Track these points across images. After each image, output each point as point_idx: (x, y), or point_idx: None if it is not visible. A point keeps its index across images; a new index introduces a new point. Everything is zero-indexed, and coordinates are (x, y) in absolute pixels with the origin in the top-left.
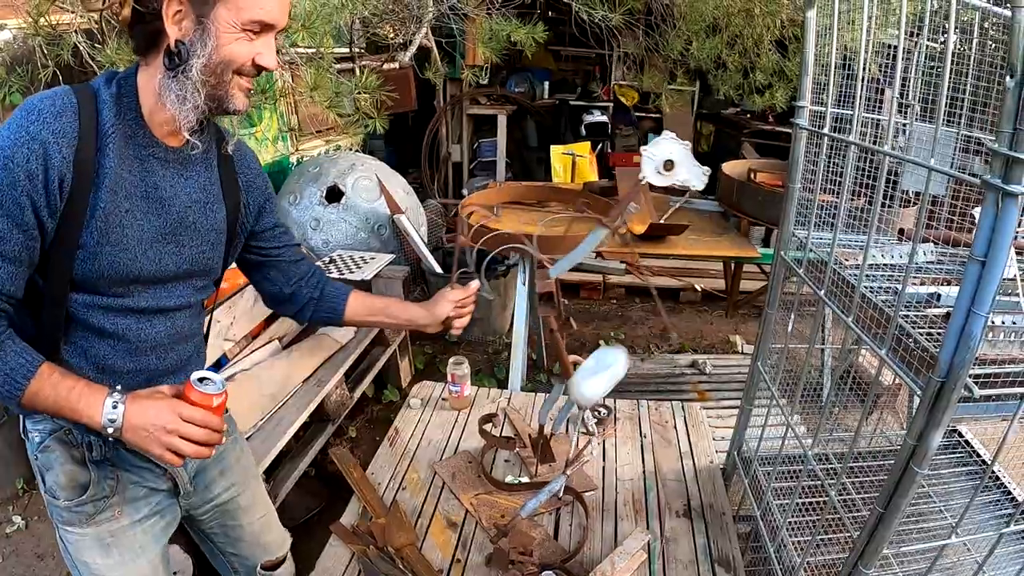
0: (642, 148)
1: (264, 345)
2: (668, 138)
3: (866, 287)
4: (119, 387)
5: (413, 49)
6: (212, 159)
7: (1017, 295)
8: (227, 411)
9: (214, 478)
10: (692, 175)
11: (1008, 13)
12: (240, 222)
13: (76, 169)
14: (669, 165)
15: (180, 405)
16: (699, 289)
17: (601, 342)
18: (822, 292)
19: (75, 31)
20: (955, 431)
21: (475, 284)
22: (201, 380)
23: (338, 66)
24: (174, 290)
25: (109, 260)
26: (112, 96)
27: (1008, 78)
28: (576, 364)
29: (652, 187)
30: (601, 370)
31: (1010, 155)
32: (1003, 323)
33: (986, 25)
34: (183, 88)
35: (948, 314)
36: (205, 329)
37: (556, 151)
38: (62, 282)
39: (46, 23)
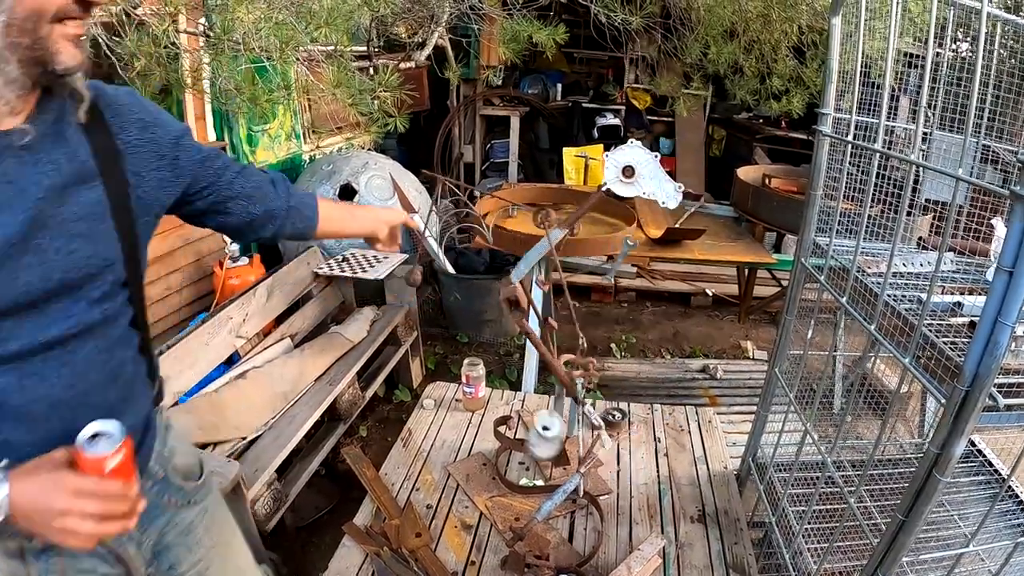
0: (605, 153)
1: (276, 343)
2: (633, 145)
3: (888, 295)
4: (3, 462)
5: (429, 48)
6: (68, 129)
7: None
8: (207, 473)
9: (180, 556)
10: (661, 189)
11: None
12: (136, 196)
13: None
14: (629, 171)
15: (66, 477)
16: (710, 294)
17: (612, 345)
18: (844, 299)
19: (94, 23)
20: (969, 441)
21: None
22: (94, 437)
23: (356, 64)
24: (54, 314)
25: None
26: None
27: None
28: (568, 363)
29: (616, 196)
30: (545, 437)
31: None
32: None
33: (1003, 34)
34: None
35: (972, 323)
36: (142, 350)
37: (569, 153)
38: None
39: None
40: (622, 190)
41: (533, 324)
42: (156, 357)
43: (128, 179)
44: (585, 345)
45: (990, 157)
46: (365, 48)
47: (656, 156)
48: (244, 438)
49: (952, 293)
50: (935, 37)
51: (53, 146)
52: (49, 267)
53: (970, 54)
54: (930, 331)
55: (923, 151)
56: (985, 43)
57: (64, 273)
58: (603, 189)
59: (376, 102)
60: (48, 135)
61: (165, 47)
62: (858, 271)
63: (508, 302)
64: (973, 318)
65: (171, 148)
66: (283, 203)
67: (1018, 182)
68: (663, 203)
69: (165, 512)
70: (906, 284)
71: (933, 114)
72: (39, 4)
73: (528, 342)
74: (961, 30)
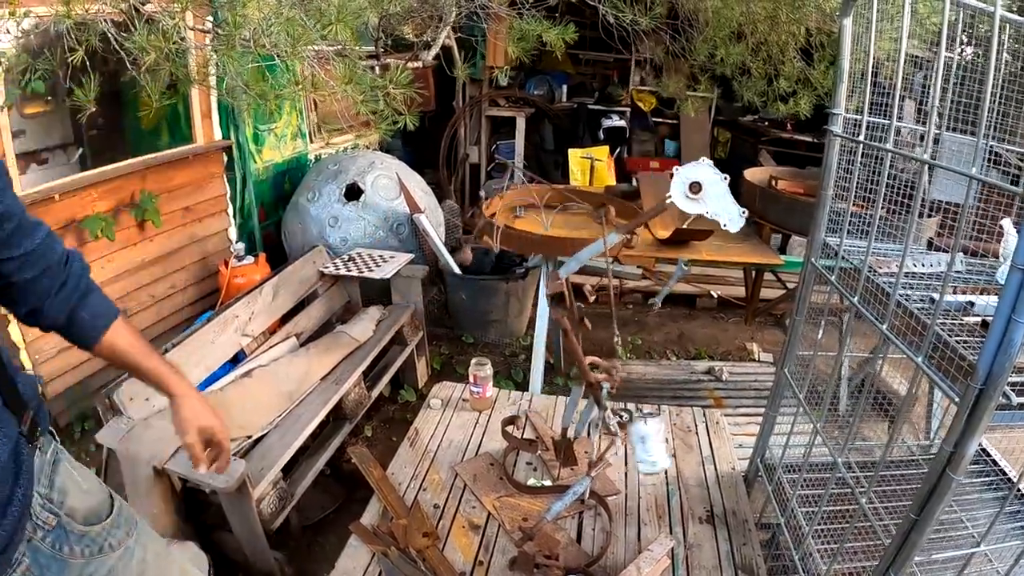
0: (675, 167)
1: (282, 341)
2: (704, 163)
3: (900, 295)
4: None
5: (436, 48)
6: None
7: None
8: (119, 508)
9: None
10: (726, 210)
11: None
12: None
13: None
14: (696, 187)
15: None
16: (716, 296)
17: (618, 348)
18: (855, 299)
19: (104, 19)
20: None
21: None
22: None
23: (363, 63)
24: None
25: None
26: None
27: None
28: (592, 365)
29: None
30: (646, 437)
31: None
32: None
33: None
34: None
35: (984, 322)
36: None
37: (574, 154)
38: None
39: (78, 8)
40: (686, 205)
41: (544, 319)
42: (26, 382)
43: None
44: (620, 345)
45: (993, 159)
46: (373, 47)
47: (725, 178)
48: (250, 437)
49: (963, 293)
50: (946, 39)
51: None
52: None
53: (976, 57)
54: (943, 330)
55: (933, 152)
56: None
57: None
58: (668, 201)
59: (387, 99)
60: None
61: (174, 42)
62: (869, 271)
63: (552, 297)
64: (986, 317)
65: None
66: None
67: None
68: (724, 225)
69: (69, 567)
70: (917, 284)
71: (943, 115)
72: None
73: (536, 343)
74: (966, 33)
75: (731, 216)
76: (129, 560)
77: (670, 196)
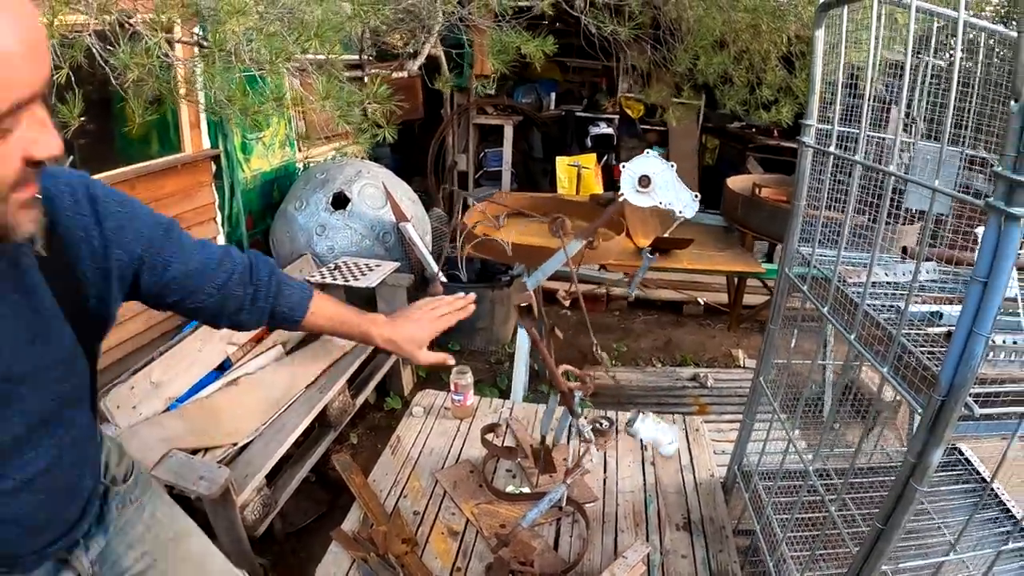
0: (621, 164)
1: (268, 350)
2: (650, 155)
3: (869, 305)
4: None
5: (422, 58)
6: (23, 272)
7: (1018, 314)
8: (135, 474)
9: (121, 553)
10: (678, 199)
11: (1010, 32)
12: (97, 313)
13: None
14: (645, 181)
15: None
16: (701, 303)
17: (604, 354)
18: (825, 309)
19: (88, 33)
20: (955, 448)
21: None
22: None
23: (347, 74)
24: (32, 449)
25: None
26: None
27: (1013, 102)
28: (566, 374)
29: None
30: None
31: (1013, 178)
32: (1003, 342)
33: (991, 42)
34: None
35: (949, 333)
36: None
37: (562, 162)
38: None
39: (61, 24)
40: (638, 200)
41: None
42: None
43: (86, 302)
44: (601, 352)
45: (979, 164)
46: (357, 58)
47: (672, 166)
48: (235, 444)
49: (935, 303)
50: (920, 46)
51: (12, 292)
52: (27, 414)
53: (961, 64)
54: (908, 340)
55: (906, 163)
56: (974, 53)
57: (41, 416)
58: (620, 200)
59: (365, 113)
60: (7, 286)
61: (158, 58)
62: (839, 281)
63: (520, 308)
64: (951, 328)
65: (139, 258)
66: (256, 301)
67: (993, 193)
68: (679, 212)
69: (106, 520)
70: (888, 294)
71: (914, 124)
72: None
73: (518, 351)
74: (945, 43)
75: (684, 203)
76: (141, 513)
77: (622, 194)
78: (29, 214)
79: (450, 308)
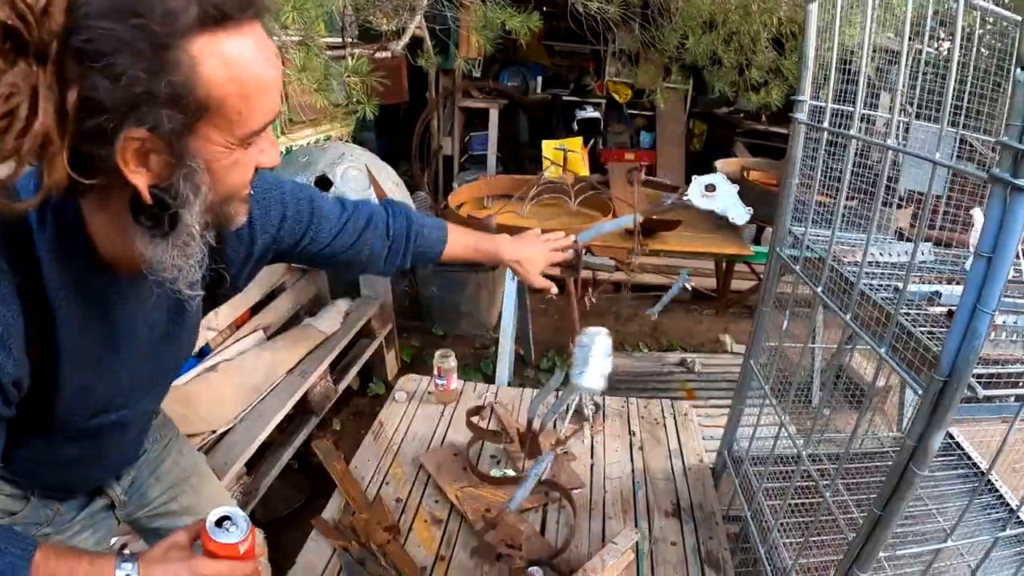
0: (694, 176)
1: (248, 335)
2: (721, 176)
3: (865, 284)
4: (126, 551)
5: (406, 38)
6: None
7: (1016, 297)
8: (161, 413)
9: (149, 484)
10: (734, 209)
11: (1007, 13)
12: (228, 293)
13: (31, 358)
14: (711, 188)
15: (200, 563)
16: (689, 288)
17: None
18: (819, 289)
19: None
20: (948, 434)
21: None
22: (220, 523)
23: (329, 53)
24: (149, 394)
25: (87, 405)
26: (49, 242)
27: (1018, 70)
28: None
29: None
30: (590, 356)
31: (1019, 148)
32: (1004, 323)
33: (982, 32)
34: (174, 249)
35: (950, 312)
36: None
37: (548, 145)
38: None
39: None
40: (699, 202)
41: (510, 311)
42: None
43: (223, 276)
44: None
45: (972, 155)
46: (340, 39)
47: (736, 188)
48: (214, 431)
49: (931, 283)
50: (916, 30)
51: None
52: (162, 369)
53: (961, 46)
54: (907, 320)
55: (903, 143)
56: (966, 40)
57: (172, 371)
58: (684, 198)
59: (345, 88)
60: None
61: None
62: (833, 260)
63: (565, 265)
64: (951, 307)
65: (272, 233)
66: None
67: (996, 164)
68: (732, 219)
69: (143, 451)
70: (884, 274)
71: (912, 105)
72: (231, 188)
73: (503, 335)
74: (944, 29)
75: (738, 213)
76: (169, 450)
77: (687, 195)
78: (245, 207)
79: (559, 244)
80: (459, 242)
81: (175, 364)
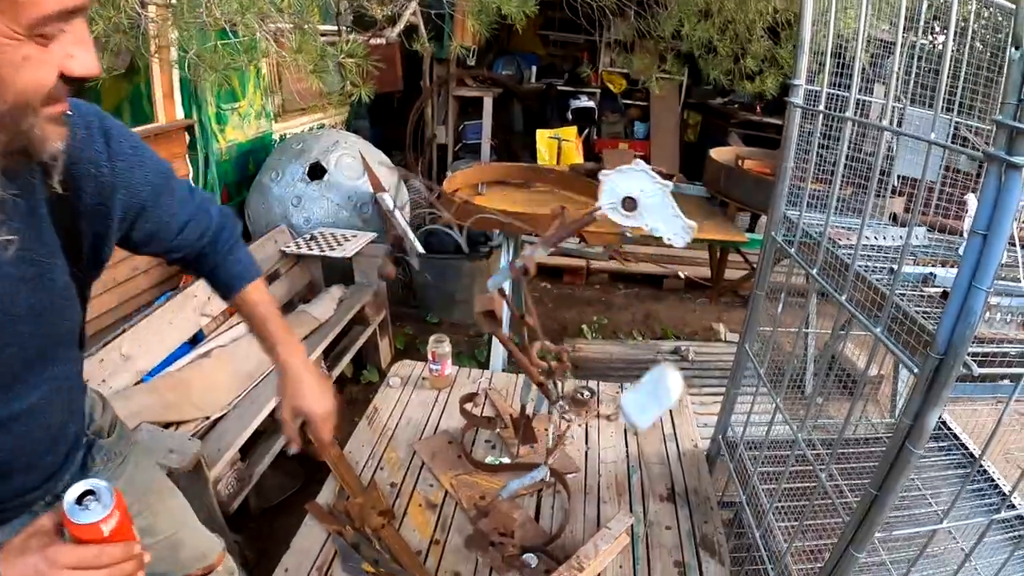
0: (601, 173)
1: (241, 322)
2: (638, 168)
3: (860, 266)
4: None
5: (401, 24)
6: (35, 203)
7: (1011, 280)
8: (119, 428)
9: None
10: (668, 226)
11: (1002, 2)
12: (92, 252)
13: None
14: (629, 204)
15: (59, 552)
16: (683, 276)
17: (584, 327)
18: (814, 271)
19: None
20: (941, 421)
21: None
22: (80, 501)
23: (324, 40)
24: (22, 385)
25: None
26: None
27: (1014, 49)
28: (542, 353)
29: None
30: (651, 395)
31: (1014, 126)
32: (998, 304)
33: (976, 27)
34: None
35: (945, 293)
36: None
37: (542, 135)
38: None
39: None
40: (620, 219)
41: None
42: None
43: (83, 245)
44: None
45: (964, 145)
46: (335, 27)
47: (667, 186)
48: (208, 417)
49: (925, 265)
50: (910, 21)
51: (20, 225)
52: (26, 351)
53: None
54: (902, 300)
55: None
56: (961, 29)
57: (37, 353)
58: (597, 213)
59: (340, 71)
60: (14, 213)
61: (125, 12)
62: (829, 242)
63: (484, 315)
64: (947, 288)
65: (138, 207)
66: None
67: (992, 142)
68: (668, 240)
69: (89, 472)
70: (878, 257)
71: (906, 96)
72: (23, 93)
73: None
74: (939, 22)
75: (675, 232)
76: (125, 468)
77: (600, 207)
78: (58, 130)
79: (328, 422)
80: (251, 304)
81: (44, 341)
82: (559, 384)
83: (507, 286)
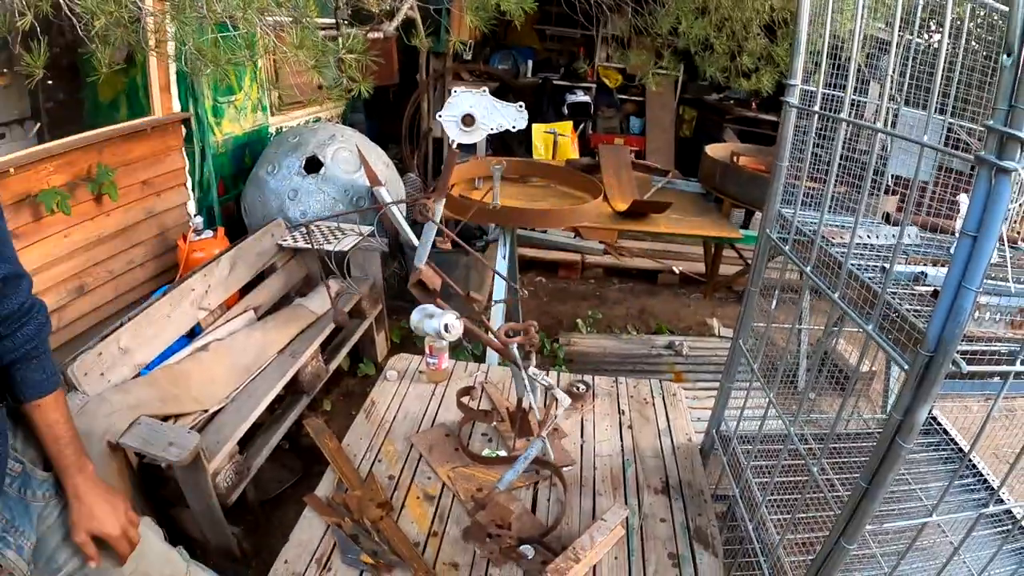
0: (437, 115)
1: (239, 315)
2: (460, 91)
3: (852, 264)
4: None
5: (399, 18)
6: None
7: (1001, 279)
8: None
9: (55, 548)
10: (505, 116)
11: (996, 4)
12: None
13: None
14: (469, 120)
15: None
16: (677, 271)
17: (579, 321)
18: (808, 268)
19: None
20: (932, 417)
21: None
22: None
23: (322, 34)
24: None
25: None
26: None
27: (1005, 56)
28: (512, 331)
29: (461, 146)
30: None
31: (1005, 131)
32: (988, 303)
33: (971, 25)
34: None
35: (935, 292)
36: None
37: (538, 129)
38: None
39: None
40: (468, 138)
41: (501, 290)
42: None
43: None
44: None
45: (958, 145)
46: (332, 20)
47: (484, 91)
48: (206, 410)
49: (917, 264)
50: (906, 19)
51: None
52: None
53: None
54: (893, 299)
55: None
56: (956, 28)
57: None
58: (454, 146)
59: (340, 65)
60: None
61: (126, 6)
62: (822, 240)
63: (419, 287)
64: (938, 287)
65: None
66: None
67: (983, 147)
68: (513, 127)
69: (31, 508)
70: (871, 255)
71: (900, 94)
72: None
73: (493, 314)
74: (935, 20)
75: (513, 118)
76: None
77: (454, 141)
78: None
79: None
80: (45, 422)
81: None
82: (531, 354)
83: (501, 267)
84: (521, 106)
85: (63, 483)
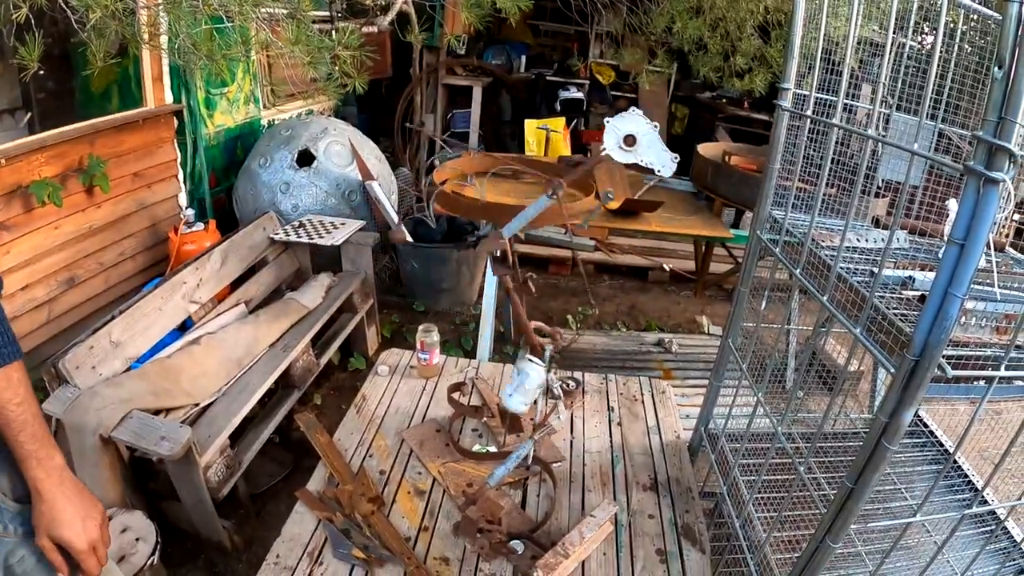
0: (606, 119)
1: (230, 308)
2: (635, 114)
3: (842, 267)
4: None
5: (393, 13)
6: None
7: (987, 284)
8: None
9: None
10: (659, 158)
11: (990, 12)
12: None
13: None
14: (630, 140)
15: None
16: (668, 269)
17: (569, 317)
18: (798, 271)
19: None
20: (918, 418)
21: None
22: None
23: (317, 27)
24: None
25: None
26: None
27: (996, 68)
28: (538, 331)
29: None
30: (524, 384)
31: (994, 143)
32: (974, 308)
33: (964, 28)
34: None
35: (923, 297)
36: None
37: (530, 125)
38: None
39: None
40: (621, 157)
41: (492, 287)
42: None
43: None
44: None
45: (949, 148)
46: (327, 12)
47: (656, 126)
48: (197, 404)
49: (905, 269)
50: (901, 25)
51: None
52: None
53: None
54: (881, 303)
55: (883, 134)
56: (950, 31)
57: None
58: (603, 153)
59: (335, 62)
60: None
61: (121, 0)
62: (812, 243)
63: (494, 256)
64: (925, 292)
65: None
66: None
67: (972, 157)
68: (659, 171)
69: (2, 544)
70: (860, 259)
71: (893, 97)
72: None
73: (484, 311)
74: (928, 24)
75: (663, 163)
76: (27, 550)
77: (604, 148)
78: None
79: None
80: (7, 411)
81: None
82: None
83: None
84: (676, 158)
85: (25, 475)
